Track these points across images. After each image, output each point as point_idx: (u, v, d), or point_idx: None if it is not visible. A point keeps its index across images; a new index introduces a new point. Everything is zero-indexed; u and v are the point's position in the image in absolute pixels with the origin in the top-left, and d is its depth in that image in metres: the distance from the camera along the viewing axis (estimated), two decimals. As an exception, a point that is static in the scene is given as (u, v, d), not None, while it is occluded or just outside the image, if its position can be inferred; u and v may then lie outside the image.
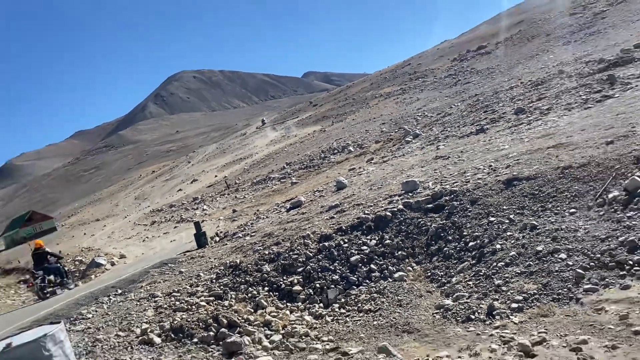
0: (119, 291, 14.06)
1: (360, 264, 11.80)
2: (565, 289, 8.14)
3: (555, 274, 8.52)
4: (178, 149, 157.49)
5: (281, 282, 12.06)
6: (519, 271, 9.06)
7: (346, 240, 12.73)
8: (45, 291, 16.35)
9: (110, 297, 13.59)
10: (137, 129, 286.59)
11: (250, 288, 12.08)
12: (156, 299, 12.40)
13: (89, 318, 11.85)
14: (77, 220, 68.93)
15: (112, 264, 24.74)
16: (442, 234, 11.73)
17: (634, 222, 8.83)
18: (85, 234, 46.14)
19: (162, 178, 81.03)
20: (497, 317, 8.19)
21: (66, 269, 17.67)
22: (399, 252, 11.83)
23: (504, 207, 11.26)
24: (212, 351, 9.29)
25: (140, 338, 9.89)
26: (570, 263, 8.57)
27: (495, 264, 9.64)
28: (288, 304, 11.36)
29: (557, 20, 48.77)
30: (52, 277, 16.72)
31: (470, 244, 10.78)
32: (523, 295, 8.43)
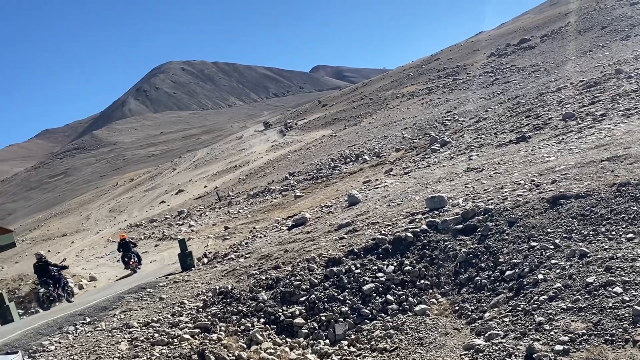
0: (88, 320, 14.06)
1: (374, 294, 11.75)
2: (620, 330, 8.06)
3: (609, 311, 8.45)
4: (162, 154, 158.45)
5: (280, 313, 12.03)
6: (565, 307, 8.99)
7: (358, 265, 12.70)
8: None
9: (77, 326, 13.59)
10: (114, 129, 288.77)
11: (243, 319, 12.06)
12: (131, 329, 12.39)
13: (52, 350, 11.85)
14: (41, 234, 69.24)
15: (80, 288, 24.83)
16: (473, 261, 11.68)
17: None
18: (49, 251, 46.33)
19: (142, 187, 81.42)
20: (538, 361, 8.13)
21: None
22: (422, 281, 11.79)
23: (549, 230, 11.21)
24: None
25: (111, 375, 9.88)
26: (627, 298, 8.49)
27: (536, 297, 9.57)
28: (287, 339, 11.32)
29: (614, 10, 48.85)
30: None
31: (507, 273, 10.72)
32: (569, 335, 8.36)
